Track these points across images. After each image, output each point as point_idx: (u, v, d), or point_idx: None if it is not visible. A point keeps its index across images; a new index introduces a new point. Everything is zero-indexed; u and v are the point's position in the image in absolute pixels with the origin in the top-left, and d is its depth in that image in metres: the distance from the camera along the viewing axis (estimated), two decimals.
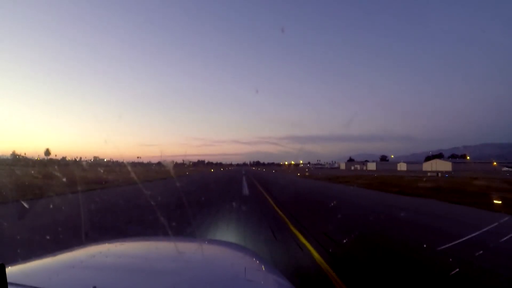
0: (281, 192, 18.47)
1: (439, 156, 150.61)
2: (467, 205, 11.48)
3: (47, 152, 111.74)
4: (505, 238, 5.95)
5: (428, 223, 8.42)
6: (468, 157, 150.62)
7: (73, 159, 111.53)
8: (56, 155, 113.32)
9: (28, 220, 7.97)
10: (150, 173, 43.19)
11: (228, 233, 6.50)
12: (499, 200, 11.56)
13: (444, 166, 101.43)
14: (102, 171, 36.24)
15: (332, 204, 12.34)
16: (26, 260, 1.42)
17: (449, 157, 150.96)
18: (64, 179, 18.49)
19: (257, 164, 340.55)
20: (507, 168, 79.84)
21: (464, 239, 5.93)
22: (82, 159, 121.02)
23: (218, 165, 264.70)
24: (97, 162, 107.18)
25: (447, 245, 5.38)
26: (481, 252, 5.03)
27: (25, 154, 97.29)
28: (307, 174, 56.24)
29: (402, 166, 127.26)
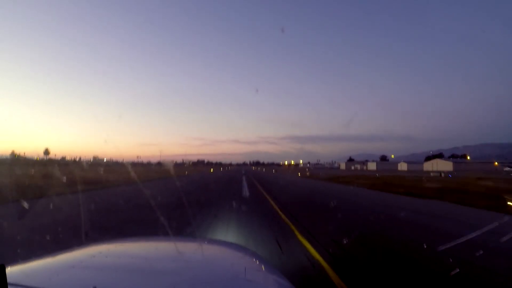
0: (285, 195, 16.89)
1: (439, 156, 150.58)
2: (484, 208, 10.63)
3: (46, 152, 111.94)
4: None
5: (459, 231, 6.73)
6: (468, 157, 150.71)
7: (73, 159, 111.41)
8: (55, 155, 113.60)
9: (28, 220, 7.95)
10: (150, 173, 43.20)
11: (228, 235, 6.49)
12: None
13: (445, 166, 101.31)
14: (101, 171, 36.22)
15: (343, 207, 11.04)
16: (26, 260, 1.42)
17: (449, 157, 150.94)
18: (64, 179, 18.49)
19: (257, 164, 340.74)
20: (509, 168, 79.58)
21: None
22: (82, 159, 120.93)
23: (218, 165, 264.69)
24: (96, 162, 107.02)
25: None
26: None
27: (24, 153, 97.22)
28: (308, 174, 55.39)
29: (402, 166, 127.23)
